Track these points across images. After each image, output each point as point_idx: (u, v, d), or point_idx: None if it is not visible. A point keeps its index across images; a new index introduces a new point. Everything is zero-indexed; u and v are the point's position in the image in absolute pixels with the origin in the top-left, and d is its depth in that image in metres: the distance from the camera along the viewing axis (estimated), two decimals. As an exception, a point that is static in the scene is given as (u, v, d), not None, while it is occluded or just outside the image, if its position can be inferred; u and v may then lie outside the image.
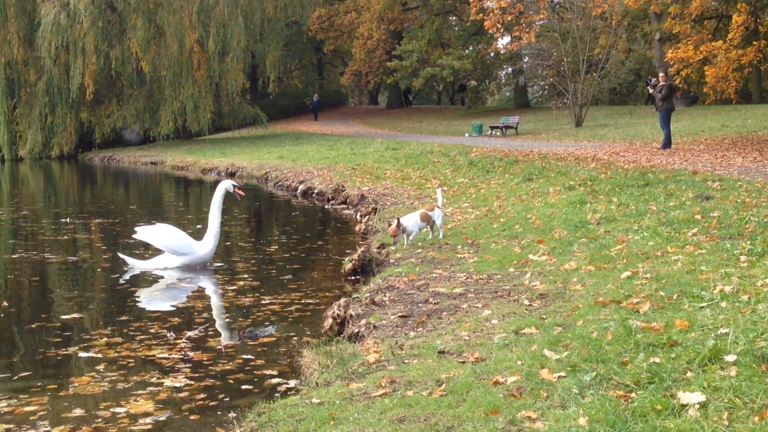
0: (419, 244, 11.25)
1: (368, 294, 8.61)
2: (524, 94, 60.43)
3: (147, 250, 13.32)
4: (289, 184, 24.67)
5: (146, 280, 11.33)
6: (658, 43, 40.74)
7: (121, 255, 12.42)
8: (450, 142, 30.95)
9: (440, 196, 12.09)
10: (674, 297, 6.35)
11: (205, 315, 9.13)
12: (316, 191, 21.85)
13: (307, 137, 43.45)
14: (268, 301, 9.71)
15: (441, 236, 11.43)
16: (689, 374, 4.63)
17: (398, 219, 11.26)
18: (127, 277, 11.51)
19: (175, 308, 9.58)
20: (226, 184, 12.48)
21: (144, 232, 12.22)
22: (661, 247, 8.56)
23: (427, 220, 11.37)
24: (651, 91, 23.93)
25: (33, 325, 8.88)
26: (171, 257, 12.01)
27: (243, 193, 12.62)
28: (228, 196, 12.63)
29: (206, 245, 12.18)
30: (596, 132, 31.79)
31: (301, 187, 23.14)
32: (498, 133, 36.50)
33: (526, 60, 50.57)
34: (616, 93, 57.65)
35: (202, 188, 29.36)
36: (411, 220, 11.29)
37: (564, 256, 9.00)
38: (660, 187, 13.03)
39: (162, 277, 11.46)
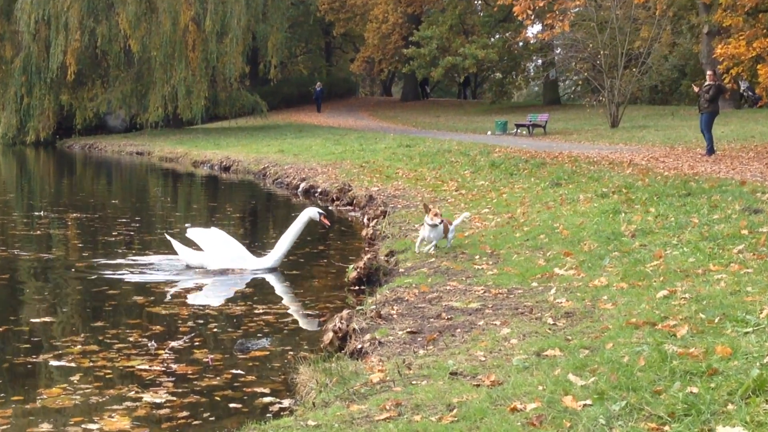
0: (432, 252, 11.25)
1: (374, 306, 8.61)
2: (555, 89, 60.42)
3: (130, 249, 13.33)
4: (289, 181, 24.70)
5: (126, 281, 11.33)
6: (706, 37, 40.68)
7: (168, 237, 12.59)
8: (470, 140, 30.96)
9: (460, 220, 12.11)
10: (716, 320, 6.33)
11: (190, 323, 9.13)
12: (319, 190, 21.88)
13: (311, 130, 43.53)
14: (261, 311, 9.71)
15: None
16: (730, 407, 4.61)
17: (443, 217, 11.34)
18: (103, 277, 11.52)
19: (157, 315, 9.58)
20: (311, 212, 12.46)
21: (195, 234, 12.27)
22: (703, 264, 8.54)
23: (446, 231, 11.40)
24: (696, 90, 23.73)
25: None
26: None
27: (329, 223, 12.71)
28: (312, 224, 12.66)
29: (264, 263, 12.27)
30: (634, 134, 31.76)
31: (302, 186, 23.17)
32: (524, 132, 36.50)
33: (558, 51, 50.55)
34: (657, 91, 57.52)
35: (192, 183, 29.44)
36: (447, 227, 11.34)
37: (594, 271, 8.98)
38: (703, 198, 13.00)
39: (144, 279, 11.47)
